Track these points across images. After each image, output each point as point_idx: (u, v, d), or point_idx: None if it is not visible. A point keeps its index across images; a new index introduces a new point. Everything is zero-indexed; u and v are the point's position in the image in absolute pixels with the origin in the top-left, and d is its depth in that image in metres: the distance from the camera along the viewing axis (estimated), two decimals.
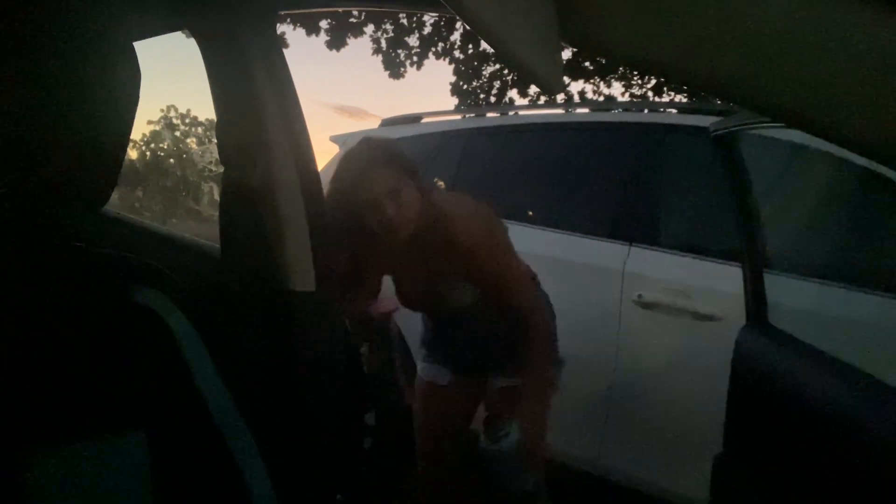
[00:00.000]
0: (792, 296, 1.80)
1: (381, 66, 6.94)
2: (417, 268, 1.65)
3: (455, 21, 6.47)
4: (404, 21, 6.80)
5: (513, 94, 7.74)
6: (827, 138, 0.40)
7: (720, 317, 2.03)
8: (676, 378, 2.11)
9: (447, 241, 1.56)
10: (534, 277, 1.78)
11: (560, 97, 6.68)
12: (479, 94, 7.71)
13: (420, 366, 1.95)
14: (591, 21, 0.43)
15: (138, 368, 0.77)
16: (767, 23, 0.38)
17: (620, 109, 2.97)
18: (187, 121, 20.22)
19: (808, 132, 0.41)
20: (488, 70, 7.55)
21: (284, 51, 1.09)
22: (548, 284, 1.79)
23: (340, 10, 5.95)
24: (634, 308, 2.21)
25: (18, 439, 0.68)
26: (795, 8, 0.37)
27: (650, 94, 7.43)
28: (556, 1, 0.42)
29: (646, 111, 2.76)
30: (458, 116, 3.39)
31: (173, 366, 0.79)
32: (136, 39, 1.06)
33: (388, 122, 3.47)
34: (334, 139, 3.57)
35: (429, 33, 6.97)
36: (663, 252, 2.24)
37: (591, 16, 0.42)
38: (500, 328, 1.71)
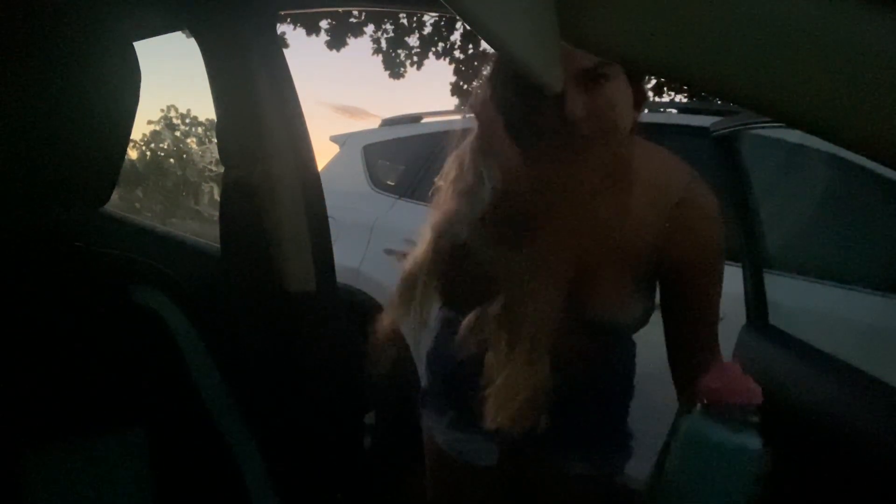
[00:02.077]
0: (792, 296, 1.80)
1: (381, 66, 6.94)
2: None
3: (455, 21, 6.47)
4: (404, 21, 6.79)
5: None
6: (827, 138, 0.40)
7: (720, 317, 2.02)
8: None
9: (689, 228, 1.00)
10: None
11: None
12: None
13: (444, 435, 1.19)
14: (591, 21, 0.43)
15: (138, 368, 0.77)
16: (767, 23, 0.38)
17: None
18: (187, 121, 20.21)
19: (808, 132, 0.41)
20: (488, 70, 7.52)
21: (284, 51, 1.09)
22: None
23: (340, 10, 5.95)
24: None
25: (19, 438, 0.68)
26: (795, 7, 0.37)
27: (650, 94, 7.42)
28: (557, 1, 0.42)
29: (646, 111, 2.76)
30: (458, 116, 3.38)
31: (173, 365, 0.79)
32: (136, 39, 1.06)
33: (388, 122, 3.47)
34: (334, 139, 3.57)
35: (429, 33, 6.96)
36: None
37: (591, 16, 0.42)
38: (611, 386, 1.19)
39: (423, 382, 1.24)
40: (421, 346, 1.19)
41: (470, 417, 1.10)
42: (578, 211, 0.97)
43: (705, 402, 0.80)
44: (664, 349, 1.18)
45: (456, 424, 1.17)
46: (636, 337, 1.28)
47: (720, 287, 1.07)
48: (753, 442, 0.79)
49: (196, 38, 1.09)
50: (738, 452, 0.79)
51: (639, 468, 1.30)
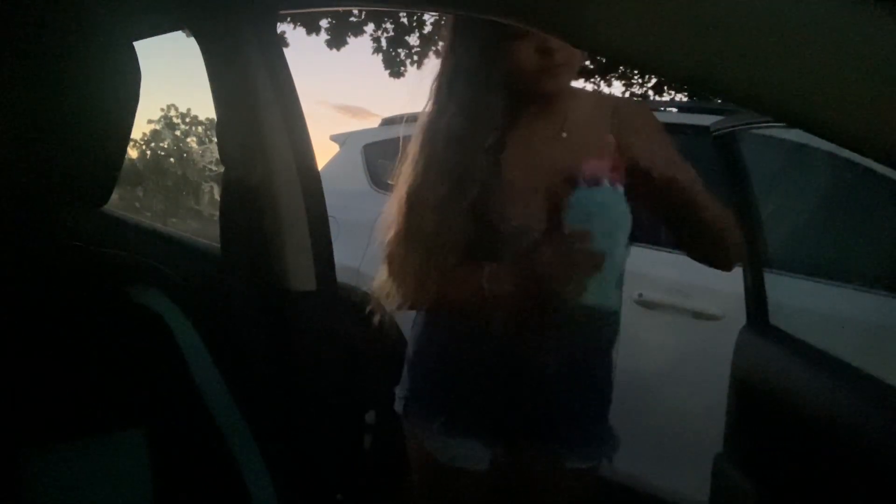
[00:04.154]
0: (792, 296, 1.80)
1: (381, 65, 6.93)
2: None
3: None
4: (404, 20, 6.79)
5: None
6: (827, 138, 0.40)
7: (720, 317, 2.03)
8: (676, 378, 2.11)
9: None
10: None
11: None
12: None
13: (434, 441, 1.14)
14: (591, 20, 0.43)
15: (138, 368, 0.77)
16: (766, 22, 0.38)
17: None
18: (187, 120, 20.21)
19: (807, 132, 0.41)
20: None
21: (284, 50, 1.09)
22: None
23: (340, 9, 5.95)
24: (635, 307, 2.21)
25: (18, 438, 0.68)
26: (795, 6, 0.37)
27: (650, 93, 7.42)
28: (558, 1, 0.42)
29: None
30: None
31: (173, 365, 0.79)
32: (136, 39, 1.06)
33: (388, 122, 3.47)
34: (334, 139, 3.57)
35: (429, 32, 6.96)
36: (664, 251, 2.24)
37: (591, 15, 0.42)
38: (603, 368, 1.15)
39: (406, 388, 1.19)
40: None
41: (461, 421, 1.12)
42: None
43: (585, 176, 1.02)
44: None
45: (446, 429, 1.12)
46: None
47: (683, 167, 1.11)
48: (618, 200, 1.00)
49: (196, 38, 1.09)
50: (606, 206, 0.99)
51: (631, 456, 1.31)
